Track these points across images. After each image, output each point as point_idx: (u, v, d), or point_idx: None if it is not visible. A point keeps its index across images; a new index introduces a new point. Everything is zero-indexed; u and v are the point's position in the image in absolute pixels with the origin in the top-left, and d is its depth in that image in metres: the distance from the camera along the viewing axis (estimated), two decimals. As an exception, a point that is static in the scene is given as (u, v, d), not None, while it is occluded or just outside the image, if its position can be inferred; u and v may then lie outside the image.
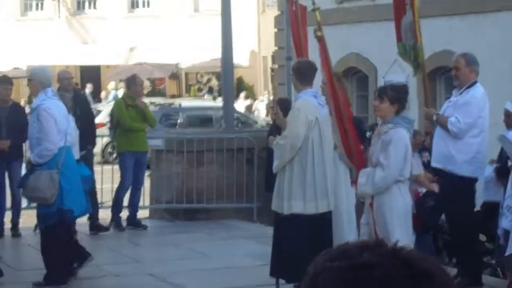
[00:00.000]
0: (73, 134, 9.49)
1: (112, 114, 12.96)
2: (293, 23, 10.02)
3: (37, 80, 9.16)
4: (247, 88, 37.14)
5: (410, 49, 9.19)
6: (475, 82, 8.93)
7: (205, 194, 13.29)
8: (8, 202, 12.29)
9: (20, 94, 34.85)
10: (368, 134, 9.85)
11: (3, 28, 38.09)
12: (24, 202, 12.98)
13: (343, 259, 1.49)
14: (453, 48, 12.41)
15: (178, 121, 22.97)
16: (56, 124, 8.93)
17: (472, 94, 8.84)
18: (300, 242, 8.35)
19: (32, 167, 9.07)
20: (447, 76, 12.86)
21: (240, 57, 30.29)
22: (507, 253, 8.34)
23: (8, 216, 12.26)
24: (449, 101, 9.25)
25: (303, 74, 8.69)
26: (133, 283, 9.70)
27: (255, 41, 38.03)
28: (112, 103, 17.65)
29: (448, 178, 8.88)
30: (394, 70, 12.91)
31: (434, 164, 9.24)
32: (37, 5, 40.74)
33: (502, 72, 12.73)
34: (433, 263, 1.50)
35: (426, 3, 12.71)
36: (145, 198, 13.85)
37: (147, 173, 14.44)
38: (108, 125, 13.04)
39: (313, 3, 8.56)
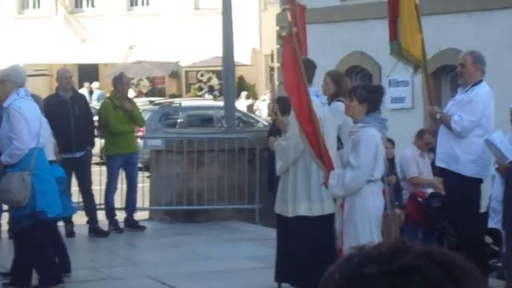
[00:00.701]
0: (46, 135, 9.34)
1: (99, 115, 12.78)
2: (293, 23, 9.90)
3: (11, 80, 8.99)
4: (249, 87, 37.01)
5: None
6: (480, 81, 8.82)
7: (206, 195, 13.19)
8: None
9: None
10: None
11: (0, 26, 37.97)
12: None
13: (376, 265, 1.41)
14: (458, 46, 12.30)
15: (178, 120, 22.83)
16: (28, 124, 8.80)
17: (476, 92, 8.76)
18: (305, 244, 8.27)
19: (4, 169, 8.91)
20: (452, 74, 12.74)
21: (241, 55, 30.19)
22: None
23: (5, 218, 12.09)
24: (454, 99, 9.19)
25: (310, 72, 8.53)
26: (132, 286, 9.63)
27: (257, 39, 37.90)
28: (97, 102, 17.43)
29: (452, 177, 8.77)
30: (399, 69, 12.74)
31: (438, 163, 9.16)
32: (34, 3, 40.61)
33: (508, 70, 12.61)
34: (466, 260, 1.46)
35: (432, 0, 12.54)
36: (144, 199, 13.81)
37: (146, 174, 14.28)
38: (97, 124, 12.88)
39: (283, 4, 8.47)
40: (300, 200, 8.43)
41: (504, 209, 7.93)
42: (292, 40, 8.10)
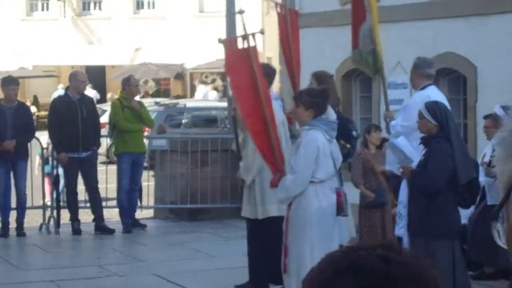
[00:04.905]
0: None
1: (109, 115, 13.04)
2: (281, 27, 9.98)
3: None
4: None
5: (367, 55, 9.25)
6: (428, 85, 8.95)
7: (209, 194, 13.32)
8: (13, 202, 12.34)
9: (26, 94, 34.94)
10: (354, 133, 9.83)
11: (9, 28, 38.17)
12: (29, 202, 13.05)
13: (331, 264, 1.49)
14: (456, 50, 12.43)
15: (183, 121, 23.00)
16: None
17: (413, 96, 8.89)
18: (277, 244, 8.16)
19: None
20: (450, 77, 12.90)
21: (245, 58, 30.20)
22: None
23: (13, 216, 12.31)
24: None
25: (270, 77, 8.71)
26: (137, 283, 9.75)
27: (260, 42, 38.03)
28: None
29: (399, 179, 8.90)
30: (397, 72, 12.93)
31: (388, 166, 9.35)
32: (42, 5, 40.82)
33: (506, 74, 12.73)
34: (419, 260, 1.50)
35: (431, 5, 12.75)
36: (149, 198, 13.90)
37: (151, 173, 14.45)
38: (107, 124, 13.13)
39: (240, 8, 8.68)
40: (269, 202, 8.50)
41: (408, 212, 7.81)
42: (248, 43, 8.14)
